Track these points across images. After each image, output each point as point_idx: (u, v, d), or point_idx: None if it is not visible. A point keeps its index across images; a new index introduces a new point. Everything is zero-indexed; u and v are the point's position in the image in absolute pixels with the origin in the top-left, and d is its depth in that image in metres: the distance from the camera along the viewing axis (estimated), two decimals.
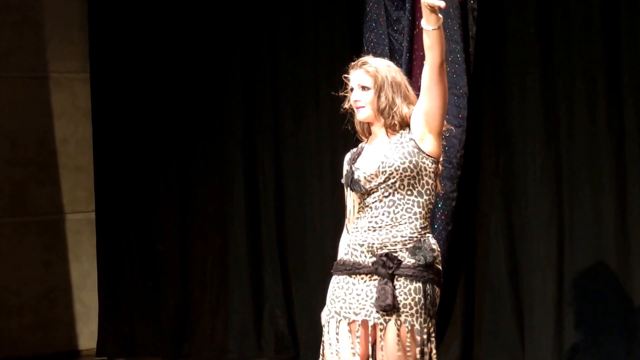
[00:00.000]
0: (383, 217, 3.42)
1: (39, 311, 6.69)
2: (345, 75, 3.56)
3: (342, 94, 3.58)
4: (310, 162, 6.07)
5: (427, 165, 3.43)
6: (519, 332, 5.37)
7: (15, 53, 6.68)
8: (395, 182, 3.42)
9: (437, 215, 5.34)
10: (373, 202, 3.44)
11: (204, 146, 6.52)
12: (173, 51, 6.58)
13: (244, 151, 6.35)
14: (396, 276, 3.39)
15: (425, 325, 3.41)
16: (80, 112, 6.84)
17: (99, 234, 6.79)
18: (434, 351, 3.46)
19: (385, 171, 3.42)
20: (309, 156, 6.09)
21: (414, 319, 3.39)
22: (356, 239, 3.46)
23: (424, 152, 3.43)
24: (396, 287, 3.39)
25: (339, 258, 3.54)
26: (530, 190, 5.30)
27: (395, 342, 3.38)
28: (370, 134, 3.58)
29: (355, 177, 3.47)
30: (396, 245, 3.41)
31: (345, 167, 3.58)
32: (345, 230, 3.63)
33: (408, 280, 3.39)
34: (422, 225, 3.44)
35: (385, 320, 3.39)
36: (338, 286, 3.50)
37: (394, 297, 3.37)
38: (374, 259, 3.42)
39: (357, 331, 3.44)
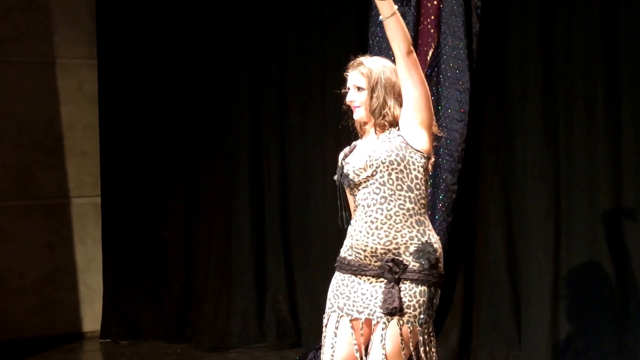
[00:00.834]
0: (377, 214, 3.45)
1: (43, 293, 6.73)
2: (347, 73, 3.61)
3: (343, 91, 3.63)
4: (314, 151, 6.09)
5: (416, 159, 3.46)
6: (515, 323, 5.43)
7: (23, 39, 6.69)
8: (383, 175, 3.45)
9: (438, 207, 5.37)
10: (365, 200, 3.48)
11: (210, 133, 6.53)
12: (181, 40, 6.58)
13: (249, 140, 6.36)
14: (402, 279, 3.44)
15: (426, 325, 3.48)
16: (87, 97, 6.86)
17: (104, 218, 6.80)
18: (434, 350, 3.52)
19: (372, 164, 3.46)
20: (313, 146, 6.10)
21: (416, 320, 3.45)
22: (358, 243, 3.49)
23: (412, 147, 3.46)
24: (402, 289, 3.44)
25: (342, 254, 3.58)
26: (529, 185, 5.34)
27: (396, 341, 3.43)
28: (365, 131, 3.65)
29: (345, 170, 3.53)
30: (399, 248, 3.44)
31: (338, 166, 3.64)
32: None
33: (414, 283, 3.44)
34: (419, 223, 3.46)
35: (387, 319, 3.44)
36: (343, 283, 3.54)
37: (400, 299, 3.43)
38: (379, 263, 3.46)
39: (361, 328, 3.49)
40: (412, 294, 3.44)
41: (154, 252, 6.70)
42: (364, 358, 3.50)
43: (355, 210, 3.56)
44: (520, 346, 5.40)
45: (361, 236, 3.49)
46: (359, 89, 3.53)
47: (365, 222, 3.48)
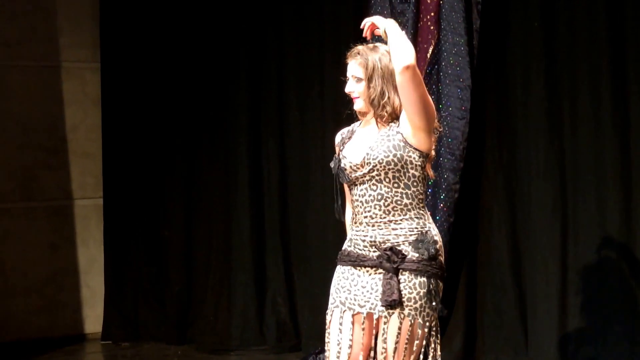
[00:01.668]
0: (376, 211, 3.43)
1: (45, 294, 6.74)
2: (347, 60, 3.57)
3: (343, 78, 3.60)
4: (314, 150, 6.08)
5: (414, 158, 3.44)
6: (522, 325, 5.38)
7: (27, 42, 6.74)
8: (380, 174, 3.44)
9: (440, 207, 5.34)
10: (362, 196, 3.46)
11: (210, 135, 6.55)
12: (181, 41, 6.62)
13: (248, 140, 6.37)
14: (401, 270, 3.41)
15: (428, 319, 3.43)
16: (90, 100, 6.89)
17: (106, 220, 6.82)
18: (438, 344, 3.47)
19: (370, 163, 3.44)
20: (313, 144, 6.10)
21: (417, 313, 3.41)
22: (357, 233, 3.48)
23: (411, 146, 3.43)
24: (401, 280, 3.40)
25: (343, 247, 3.56)
26: (534, 183, 5.30)
27: (396, 335, 3.40)
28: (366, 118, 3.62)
29: (342, 165, 3.51)
30: (398, 239, 3.42)
31: (335, 151, 3.61)
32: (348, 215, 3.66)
33: (413, 274, 3.40)
34: (418, 216, 3.44)
35: (389, 313, 3.41)
36: (343, 276, 3.52)
37: (400, 292, 3.39)
38: (378, 253, 3.44)
39: (362, 323, 3.46)
40: (411, 285, 3.41)
41: (155, 253, 6.72)
42: (370, 354, 3.46)
43: (352, 203, 3.53)
44: (527, 351, 5.34)
45: (361, 228, 3.48)
46: (357, 79, 3.49)
47: (365, 217, 3.46)
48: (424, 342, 3.42)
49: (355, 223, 3.49)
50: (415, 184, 3.45)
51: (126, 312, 6.72)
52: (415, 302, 3.40)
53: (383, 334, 3.41)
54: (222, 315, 6.38)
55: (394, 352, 3.41)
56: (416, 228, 3.43)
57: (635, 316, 5.04)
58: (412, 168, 3.44)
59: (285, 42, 6.26)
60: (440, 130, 3.90)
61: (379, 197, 3.43)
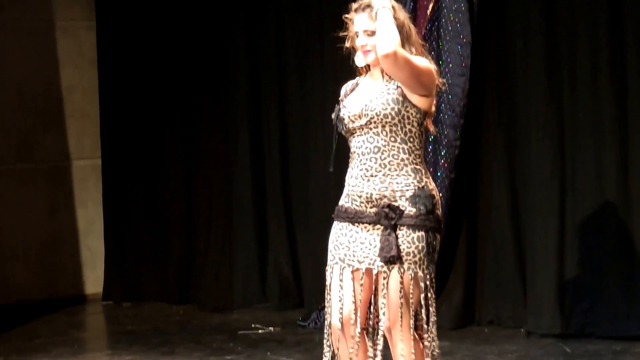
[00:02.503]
0: (372, 163, 3.44)
1: (45, 257, 6.72)
2: (346, 16, 3.56)
3: (342, 34, 3.58)
4: (314, 110, 6.06)
5: (411, 114, 3.46)
6: (521, 281, 5.42)
7: (20, 1, 6.64)
8: (377, 126, 3.45)
9: (440, 163, 5.36)
10: (359, 148, 3.47)
11: (210, 95, 6.51)
12: (180, 2, 6.55)
13: (249, 101, 6.35)
14: (399, 225, 3.42)
15: (428, 272, 3.45)
16: (86, 60, 6.82)
17: (104, 181, 6.80)
18: (433, 296, 3.49)
19: (367, 114, 3.45)
20: (312, 105, 6.07)
21: (417, 266, 3.42)
22: (354, 188, 3.49)
23: (409, 102, 3.45)
24: (399, 236, 3.42)
25: (340, 203, 3.56)
26: (533, 141, 5.32)
27: (399, 290, 3.41)
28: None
29: (341, 114, 3.52)
30: (395, 194, 3.43)
31: (339, 100, 3.62)
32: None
33: (410, 229, 3.42)
34: (414, 171, 3.45)
35: (388, 268, 3.42)
36: (341, 233, 3.53)
37: (398, 247, 3.41)
38: (375, 209, 3.45)
39: (361, 279, 3.47)
40: (410, 240, 3.42)
41: (155, 213, 6.70)
42: (370, 310, 3.47)
43: (351, 157, 3.53)
44: (525, 304, 5.39)
45: (357, 183, 3.48)
46: (370, 32, 3.46)
47: (361, 170, 3.47)
48: (422, 295, 3.44)
49: (352, 177, 3.49)
50: (412, 139, 3.46)
51: (127, 272, 6.71)
52: (415, 256, 3.42)
53: (383, 289, 3.43)
54: (224, 274, 6.38)
55: (399, 307, 3.40)
56: (413, 183, 3.45)
57: (631, 272, 5.09)
58: (409, 123, 3.45)
59: (285, 4, 6.21)
60: (444, 87, 3.88)
61: (376, 149, 3.44)
